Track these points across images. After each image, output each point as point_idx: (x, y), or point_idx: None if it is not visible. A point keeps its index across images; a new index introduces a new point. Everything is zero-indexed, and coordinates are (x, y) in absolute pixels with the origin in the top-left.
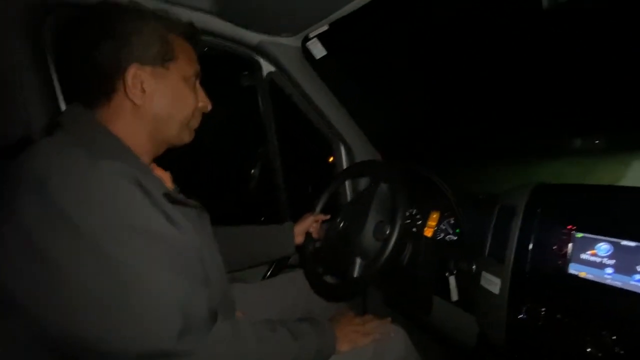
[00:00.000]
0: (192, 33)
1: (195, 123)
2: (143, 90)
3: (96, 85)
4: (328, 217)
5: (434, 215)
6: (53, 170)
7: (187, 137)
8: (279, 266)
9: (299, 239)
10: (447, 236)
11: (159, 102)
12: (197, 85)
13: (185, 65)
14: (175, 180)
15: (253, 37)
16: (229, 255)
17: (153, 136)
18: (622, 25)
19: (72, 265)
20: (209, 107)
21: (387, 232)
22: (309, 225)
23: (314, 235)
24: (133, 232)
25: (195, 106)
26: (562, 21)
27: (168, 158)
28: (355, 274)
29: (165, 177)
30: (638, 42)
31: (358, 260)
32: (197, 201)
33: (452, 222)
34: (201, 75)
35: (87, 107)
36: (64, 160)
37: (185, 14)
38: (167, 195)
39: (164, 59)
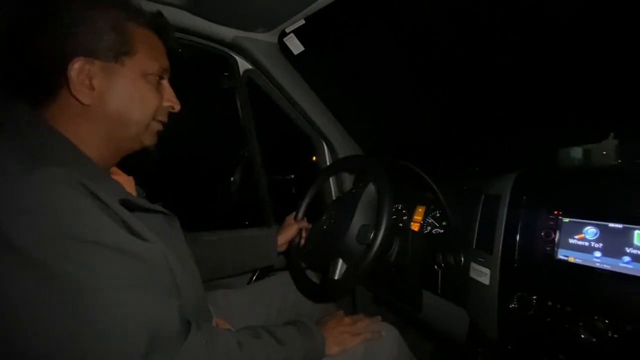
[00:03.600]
0: (159, 23)
1: (158, 125)
2: (92, 88)
3: (37, 80)
4: (310, 225)
5: (420, 210)
6: None
7: (147, 140)
8: (265, 270)
9: (282, 247)
10: (434, 229)
11: (111, 101)
12: (164, 83)
13: (146, 60)
14: (147, 185)
15: (227, 33)
16: (209, 264)
17: (108, 139)
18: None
19: (10, 287)
20: (177, 107)
21: (371, 237)
22: (292, 234)
23: (301, 243)
24: (80, 244)
25: (157, 107)
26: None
27: (144, 164)
28: (337, 277)
29: (126, 182)
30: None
31: (340, 262)
32: (163, 206)
33: (438, 215)
34: (171, 72)
35: (33, 105)
36: None
37: (154, 9)
38: (125, 202)
39: (118, 52)
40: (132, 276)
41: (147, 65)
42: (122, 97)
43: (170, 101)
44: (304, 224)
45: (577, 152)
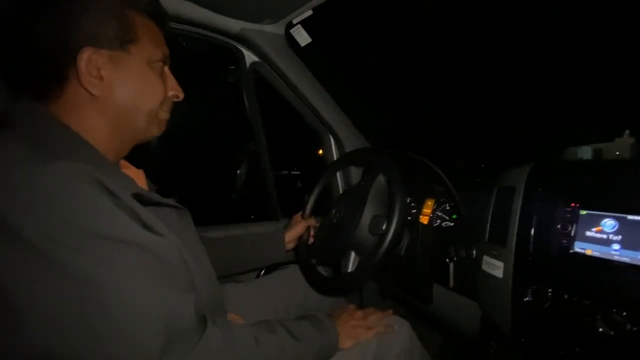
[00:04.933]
0: (156, 10)
1: (165, 114)
2: (100, 78)
3: (43, 74)
4: (318, 224)
5: (429, 203)
6: None
7: (156, 131)
8: (273, 264)
9: (290, 245)
10: (444, 222)
11: (120, 91)
12: (166, 71)
13: (149, 48)
14: (154, 179)
15: (234, 24)
16: (216, 263)
17: (117, 130)
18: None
19: (19, 281)
20: (181, 96)
21: (384, 227)
22: (300, 232)
23: (310, 240)
24: (94, 238)
25: (164, 95)
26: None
27: (151, 159)
28: (349, 269)
29: (136, 176)
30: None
31: (352, 255)
32: (176, 201)
33: (448, 208)
34: (170, 60)
35: (40, 99)
36: (1, 162)
37: None
38: (138, 196)
39: (123, 40)
40: (148, 270)
41: (151, 52)
42: (130, 86)
43: (174, 89)
44: (312, 221)
45: (585, 152)
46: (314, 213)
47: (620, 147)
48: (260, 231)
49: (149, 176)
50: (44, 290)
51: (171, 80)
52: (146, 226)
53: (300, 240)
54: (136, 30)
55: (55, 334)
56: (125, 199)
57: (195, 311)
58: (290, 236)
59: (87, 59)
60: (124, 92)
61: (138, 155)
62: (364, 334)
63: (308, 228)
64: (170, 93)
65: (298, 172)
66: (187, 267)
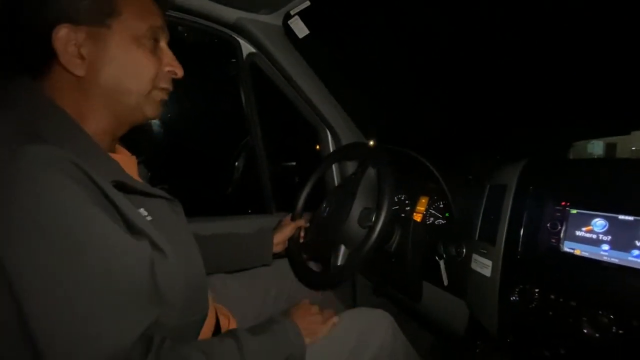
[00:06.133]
0: None
1: (160, 94)
2: (82, 57)
3: (27, 53)
4: (308, 225)
5: (423, 200)
6: None
7: (151, 112)
8: None
9: (278, 248)
10: (437, 220)
11: (105, 70)
12: (162, 46)
13: (134, 22)
14: (151, 168)
15: (230, 13)
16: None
17: (108, 112)
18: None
19: None
20: (180, 73)
21: (373, 219)
22: (288, 234)
23: (300, 239)
24: (44, 235)
25: (156, 72)
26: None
27: (148, 148)
28: (339, 262)
29: (127, 162)
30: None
31: (342, 248)
32: (168, 191)
33: (442, 206)
34: (167, 33)
35: (33, 80)
36: None
37: None
38: (120, 184)
39: (101, 12)
40: (100, 283)
41: (136, 26)
42: (115, 64)
43: (171, 65)
44: (301, 222)
45: (596, 147)
46: (308, 207)
47: (637, 141)
48: (252, 225)
49: (146, 165)
50: None
51: (167, 56)
52: (122, 216)
53: (291, 238)
54: (117, 3)
55: None
56: (104, 186)
57: (140, 335)
58: (279, 238)
59: (65, 37)
60: (109, 71)
61: (136, 143)
62: (320, 328)
63: (298, 229)
64: (167, 69)
65: (294, 165)
66: (151, 273)
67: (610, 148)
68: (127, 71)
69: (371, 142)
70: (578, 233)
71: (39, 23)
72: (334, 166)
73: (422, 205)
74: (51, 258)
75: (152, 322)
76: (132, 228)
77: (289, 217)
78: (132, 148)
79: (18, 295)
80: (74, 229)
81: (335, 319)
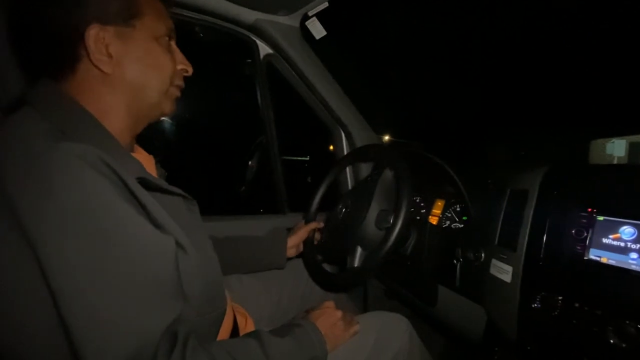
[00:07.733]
0: None
1: (175, 91)
2: (109, 55)
3: (55, 55)
4: (322, 225)
5: (439, 203)
6: (4, 154)
7: (167, 108)
8: None
9: (292, 251)
10: (453, 224)
11: (131, 67)
12: (173, 45)
13: (154, 22)
14: (166, 167)
15: (248, 15)
16: None
17: (131, 108)
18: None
19: (6, 270)
20: (190, 70)
21: (391, 221)
22: (302, 237)
23: (315, 241)
24: (86, 228)
25: (174, 70)
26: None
27: (164, 150)
28: (356, 264)
29: (146, 161)
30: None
31: (359, 250)
32: (183, 190)
33: (459, 209)
34: (176, 35)
35: (57, 81)
36: (18, 144)
37: None
38: (143, 180)
39: (128, 15)
40: (130, 276)
41: (156, 27)
42: (140, 61)
43: (183, 63)
44: (315, 224)
45: (617, 147)
46: (322, 209)
47: None
48: (265, 225)
49: (162, 165)
50: (19, 280)
51: (179, 55)
52: (147, 213)
53: (305, 240)
54: (139, 5)
55: (15, 329)
56: (130, 183)
57: (167, 332)
58: (293, 242)
59: (95, 35)
60: (134, 68)
61: (151, 143)
62: (342, 335)
63: (312, 231)
64: (179, 67)
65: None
66: (177, 270)
67: (634, 147)
68: (151, 68)
69: (386, 138)
70: (605, 240)
71: (72, 23)
72: (347, 168)
73: (438, 208)
74: (84, 252)
75: (177, 316)
76: (156, 224)
77: (302, 222)
78: (148, 148)
79: (52, 282)
80: (107, 223)
81: (357, 327)
